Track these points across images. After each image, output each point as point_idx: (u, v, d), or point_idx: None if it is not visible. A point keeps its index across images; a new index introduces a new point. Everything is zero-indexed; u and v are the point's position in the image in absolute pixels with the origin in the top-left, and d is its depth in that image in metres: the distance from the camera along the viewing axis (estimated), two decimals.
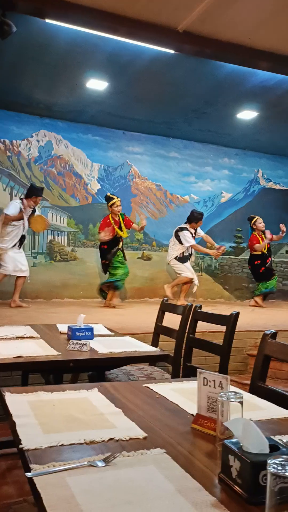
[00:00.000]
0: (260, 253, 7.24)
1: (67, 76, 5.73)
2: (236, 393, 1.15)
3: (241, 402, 1.13)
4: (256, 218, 7.33)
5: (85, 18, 4.15)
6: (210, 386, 1.25)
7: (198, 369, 1.28)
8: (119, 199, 6.36)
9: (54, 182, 7.36)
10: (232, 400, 1.12)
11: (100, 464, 1.01)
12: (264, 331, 4.73)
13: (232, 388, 1.36)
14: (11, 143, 7.04)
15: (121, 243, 6.43)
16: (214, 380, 1.24)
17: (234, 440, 0.97)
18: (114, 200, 6.28)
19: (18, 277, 5.91)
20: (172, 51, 4.71)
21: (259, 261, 7.27)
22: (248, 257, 7.71)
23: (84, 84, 5.94)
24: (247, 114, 6.86)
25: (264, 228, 7.32)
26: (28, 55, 5.16)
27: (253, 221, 7.33)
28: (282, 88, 5.80)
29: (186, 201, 8.29)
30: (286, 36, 4.50)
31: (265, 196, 8.85)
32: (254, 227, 7.31)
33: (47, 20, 4.22)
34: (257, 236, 7.25)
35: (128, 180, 7.89)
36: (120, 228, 6.31)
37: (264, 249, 7.24)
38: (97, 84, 5.94)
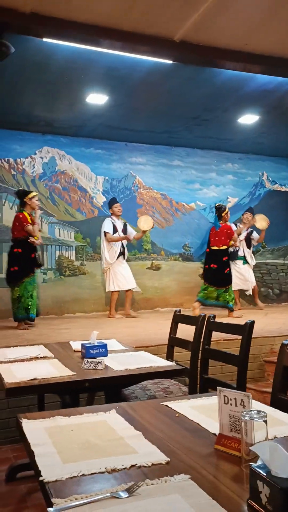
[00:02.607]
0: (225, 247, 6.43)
1: (66, 92, 5.77)
2: (259, 411, 1.11)
3: (265, 421, 1.09)
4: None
5: (81, 34, 4.18)
6: (231, 404, 1.21)
7: (218, 388, 1.24)
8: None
9: (59, 198, 7.38)
10: (256, 419, 1.08)
11: (123, 495, 0.97)
12: (279, 336, 4.66)
13: (254, 404, 1.32)
14: (15, 161, 7.09)
15: None
16: (235, 398, 1.20)
17: (261, 464, 0.93)
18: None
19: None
20: (170, 61, 4.72)
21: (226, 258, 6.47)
22: (258, 261, 7.65)
23: (84, 99, 5.97)
24: (248, 118, 6.84)
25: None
26: (27, 74, 5.20)
27: (225, 212, 6.63)
28: (282, 90, 5.78)
29: (192, 209, 8.27)
30: (282, 38, 4.49)
31: (271, 198, 8.80)
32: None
33: (44, 39, 4.25)
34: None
35: (133, 191, 7.89)
36: None
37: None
38: (97, 99, 5.96)
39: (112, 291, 6.51)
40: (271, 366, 4.40)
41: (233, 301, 6.32)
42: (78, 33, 4.13)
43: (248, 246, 7.29)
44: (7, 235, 6.79)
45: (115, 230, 6.60)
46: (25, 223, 5.39)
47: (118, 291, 6.53)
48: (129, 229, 6.79)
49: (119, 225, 6.69)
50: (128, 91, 5.74)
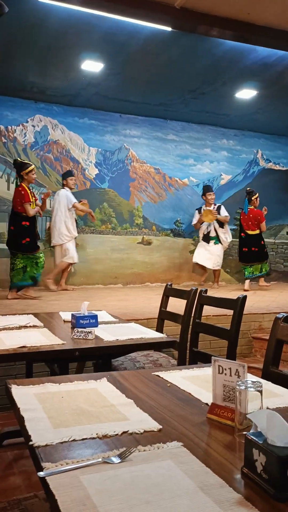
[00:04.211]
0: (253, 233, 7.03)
1: (61, 57, 5.58)
2: (254, 381, 1.09)
3: (260, 391, 1.07)
4: (255, 194, 7.21)
5: None
6: (226, 374, 1.19)
7: (212, 357, 1.23)
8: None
9: (51, 168, 7.25)
10: (251, 389, 1.06)
11: (115, 460, 0.95)
12: (268, 313, 4.70)
13: (249, 376, 1.31)
14: (6, 129, 6.91)
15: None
16: (230, 368, 1.18)
17: (257, 432, 0.91)
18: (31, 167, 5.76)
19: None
20: (169, 29, 4.58)
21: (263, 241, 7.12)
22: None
23: (79, 66, 5.79)
24: (246, 93, 6.72)
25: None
26: (21, 37, 5.00)
27: (254, 196, 7.07)
28: (283, 64, 5.66)
29: (185, 184, 8.19)
30: (285, 10, 4.37)
31: (265, 177, 8.74)
32: (255, 202, 7.11)
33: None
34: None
35: (126, 164, 7.77)
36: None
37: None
38: (92, 66, 5.78)
39: (71, 263, 6.57)
40: (259, 342, 4.45)
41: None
42: None
43: (221, 225, 7.27)
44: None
45: None
46: (24, 201, 5.52)
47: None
48: None
49: None
50: (125, 59, 5.57)
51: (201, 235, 7.40)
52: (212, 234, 7.27)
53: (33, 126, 7.08)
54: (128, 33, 4.88)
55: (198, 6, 4.28)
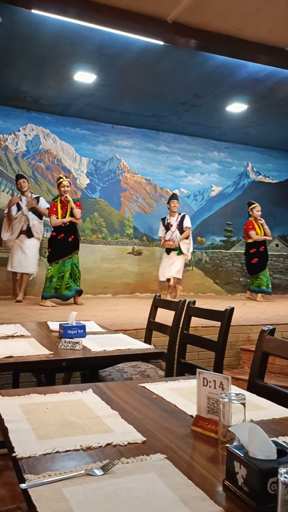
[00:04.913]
0: (252, 241, 7.22)
1: (54, 68, 5.62)
2: (238, 394, 1.10)
3: (243, 404, 1.08)
4: (255, 205, 7.33)
5: (72, 8, 4.06)
6: (210, 386, 1.20)
7: (197, 369, 1.23)
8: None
9: (42, 177, 7.26)
10: (235, 402, 1.07)
11: (98, 472, 0.95)
12: (256, 325, 4.72)
13: (233, 388, 1.32)
14: None
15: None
16: (214, 381, 1.19)
17: (238, 444, 0.92)
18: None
19: (24, 273, 6.15)
20: (161, 43, 4.64)
21: (254, 250, 7.21)
22: (239, 251, 7.70)
23: (72, 77, 5.84)
24: (236, 107, 6.81)
25: (259, 215, 7.31)
26: (14, 47, 5.04)
27: (250, 207, 7.33)
28: (272, 80, 5.76)
29: None
30: (276, 27, 4.46)
31: (255, 189, 8.84)
32: (251, 213, 7.30)
33: (33, 11, 4.11)
34: (253, 222, 7.25)
35: (117, 174, 7.81)
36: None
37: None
38: (85, 77, 5.84)
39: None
40: (247, 354, 4.46)
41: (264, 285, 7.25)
42: (70, 6, 4.02)
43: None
44: None
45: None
46: (48, 212, 5.96)
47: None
48: None
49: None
50: (118, 71, 5.63)
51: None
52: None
53: (25, 135, 7.11)
54: (121, 46, 4.94)
55: (190, 21, 4.35)
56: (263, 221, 7.30)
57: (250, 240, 7.26)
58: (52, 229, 5.94)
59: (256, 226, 7.24)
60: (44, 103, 6.77)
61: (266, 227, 7.28)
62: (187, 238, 7.03)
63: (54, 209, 5.89)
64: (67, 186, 5.89)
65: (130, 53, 5.11)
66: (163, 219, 7.19)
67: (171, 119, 7.41)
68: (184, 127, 7.80)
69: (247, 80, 5.79)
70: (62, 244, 5.84)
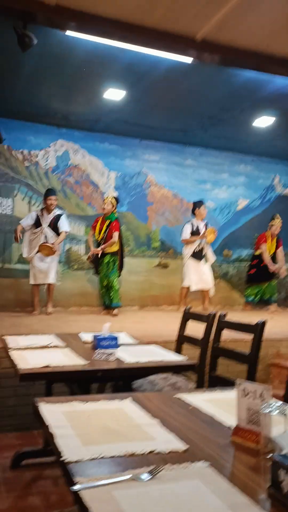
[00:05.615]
0: (259, 252, 7.25)
1: (84, 86, 5.78)
2: (279, 405, 1.12)
3: (285, 414, 1.10)
4: (275, 220, 7.32)
5: (104, 28, 4.19)
6: (250, 397, 1.22)
7: (237, 379, 1.26)
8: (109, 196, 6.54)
9: (71, 191, 7.41)
10: (277, 412, 1.09)
11: (145, 477, 0.99)
12: (285, 339, 4.64)
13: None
14: (29, 153, 7.12)
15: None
16: (254, 391, 1.21)
17: (283, 454, 0.94)
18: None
19: (48, 284, 6.08)
20: (190, 60, 4.72)
21: (255, 261, 7.32)
22: None
23: (101, 94, 5.99)
24: (263, 121, 6.83)
25: (277, 232, 7.29)
26: (47, 66, 5.22)
27: (270, 222, 7.35)
28: None
29: None
30: None
31: (282, 203, 8.77)
32: (269, 227, 7.32)
33: (67, 32, 4.27)
34: (269, 236, 7.27)
35: (144, 188, 7.90)
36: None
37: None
38: (114, 94, 5.98)
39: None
40: (277, 368, 4.41)
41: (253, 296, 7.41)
42: (101, 27, 4.15)
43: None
44: None
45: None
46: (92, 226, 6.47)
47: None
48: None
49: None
50: (146, 87, 5.74)
51: (189, 252, 6.84)
52: (202, 251, 6.90)
53: (55, 150, 7.29)
54: (149, 64, 5.06)
55: (218, 39, 4.42)
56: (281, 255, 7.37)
57: (258, 252, 7.30)
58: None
59: (269, 241, 7.27)
60: (73, 119, 6.94)
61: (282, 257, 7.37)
62: None
63: (94, 224, 6.37)
64: (106, 204, 6.30)
65: (158, 70, 5.21)
66: (191, 223, 6.97)
67: (198, 133, 7.47)
68: (211, 141, 7.85)
69: (274, 95, 5.81)
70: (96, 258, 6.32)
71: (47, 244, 5.96)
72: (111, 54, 4.81)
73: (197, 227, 6.91)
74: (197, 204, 7.04)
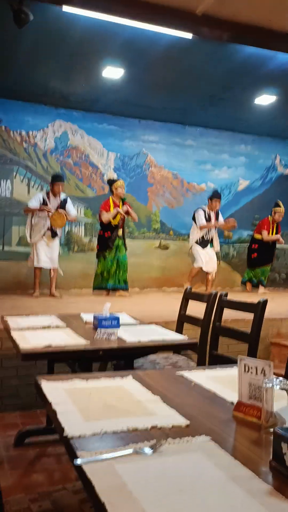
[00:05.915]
0: (260, 237, 7.23)
1: (83, 64, 5.68)
2: (282, 379, 1.12)
3: (287, 389, 1.10)
4: (279, 208, 7.24)
5: (101, 3, 4.09)
6: (252, 373, 1.22)
7: (239, 356, 1.26)
8: (121, 180, 6.47)
9: (70, 173, 7.35)
10: (279, 387, 1.09)
11: (147, 451, 0.99)
12: (286, 318, 4.65)
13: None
14: (27, 134, 7.04)
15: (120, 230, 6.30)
16: (256, 367, 1.21)
17: (285, 427, 0.94)
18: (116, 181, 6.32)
19: (52, 268, 6.08)
20: (190, 35, 4.62)
21: (256, 246, 7.29)
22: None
23: (100, 73, 5.88)
24: (265, 99, 6.72)
25: (279, 220, 7.24)
26: (44, 44, 5.11)
27: (274, 208, 7.29)
28: None
29: (202, 189, 8.20)
30: None
31: (283, 183, 8.71)
32: (273, 214, 7.25)
33: (64, 8, 4.16)
34: (270, 223, 7.22)
35: (144, 169, 7.83)
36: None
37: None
38: (113, 72, 5.87)
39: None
40: (277, 347, 4.43)
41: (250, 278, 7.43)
42: (98, 2, 4.05)
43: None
44: (17, 208, 6.81)
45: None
46: (101, 209, 6.19)
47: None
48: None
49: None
50: (146, 65, 5.64)
51: (198, 238, 6.89)
52: (210, 239, 7.00)
53: (54, 131, 7.20)
54: (148, 40, 4.95)
55: (219, 13, 4.32)
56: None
57: (258, 236, 7.26)
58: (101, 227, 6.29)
59: (271, 227, 7.23)
60: (72, 99, 6.84)
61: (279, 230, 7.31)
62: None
63: (107, 207, 6.18)
64: (121, 188, 6.26)
65: (158, 47, 5.11)
66: (202, 208, 6.96)
67: (198, 113, 7.37)
68: (211, 121, 7.75)
69: (276, 72, 5.71)
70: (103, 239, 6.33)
71: (59, 212, 5.94)
72: (109, 30, 4.71)
73: (209, 215, 6.90)
74: (216, 195, 6.98)
